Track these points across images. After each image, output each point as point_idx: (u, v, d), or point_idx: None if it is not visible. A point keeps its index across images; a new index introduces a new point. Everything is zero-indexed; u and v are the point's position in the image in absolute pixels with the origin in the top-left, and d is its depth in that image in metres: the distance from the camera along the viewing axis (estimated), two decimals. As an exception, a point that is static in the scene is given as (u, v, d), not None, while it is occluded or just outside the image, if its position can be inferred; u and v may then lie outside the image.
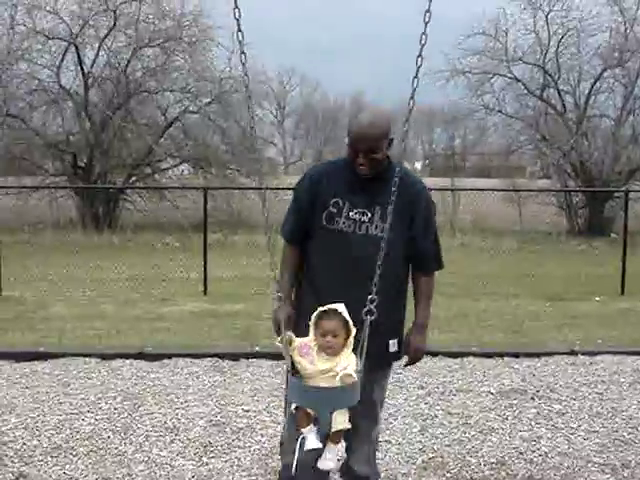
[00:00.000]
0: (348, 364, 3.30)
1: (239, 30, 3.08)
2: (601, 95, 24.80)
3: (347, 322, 3.36)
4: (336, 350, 3.34)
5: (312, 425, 3.30)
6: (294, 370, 3.37)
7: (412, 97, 3.17)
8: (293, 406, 3.39)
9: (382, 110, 3.60)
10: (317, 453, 3.32)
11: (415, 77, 3.12)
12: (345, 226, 3.51)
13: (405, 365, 3.77)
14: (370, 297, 3.28)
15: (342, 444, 3.38)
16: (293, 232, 3.69)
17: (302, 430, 3.33)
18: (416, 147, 69.66)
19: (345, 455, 3.65)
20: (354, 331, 3.37)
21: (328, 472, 3.65)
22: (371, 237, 3.49)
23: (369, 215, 3.50)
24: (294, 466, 3.45)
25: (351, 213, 3.51)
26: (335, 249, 3.53)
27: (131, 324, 8.77)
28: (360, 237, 3.50)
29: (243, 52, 3.14)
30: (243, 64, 3.18)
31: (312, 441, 3.28)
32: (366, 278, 3.39)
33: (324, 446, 3.31)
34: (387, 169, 3.53)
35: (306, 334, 3.46)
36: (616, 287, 11.43)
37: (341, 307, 3.40)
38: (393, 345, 3.64)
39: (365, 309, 3.30)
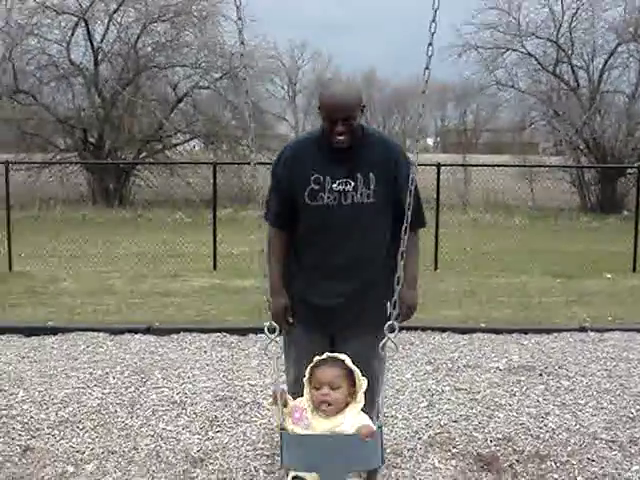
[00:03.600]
0: (360, 423, 2.75)
1: (239, 19, 3.00)
2: (615, 70, 24.61)
3: (352, 372, 2.88)
4: (335, 407, 2.79)
5: None
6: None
7: (427, 67, 3.08)
8: (289, 478, 2.78)
9: (352, 79, 3.61)
10: None
11: (429, 44, 3.04)
12: (330, 200, 3.46)
13: (399, 322, 3.72)
14: (389, 324, 3.01)
15: None
16: (279, 215, 3.60)
17: None
18: (428, 123, 69.25)
19: None
20: (364, 384, 2.88)
21: None
22: (358, 205, 3.47)
23: (352, 184, 3.47)
24: None
25: (334, 185, 3.46)
26: (323, 225, 3.49)
27: (140, 299, 8.79)
28: (347, 207, 3.47)
29: (242, 42, 3.05)
30: (241, 54, 3.07)
31: None
32: (359, 249, 3.40)
33: None
34: (362, 136, 3.53)
35: (301, 321, 3.34)
36: (627, 264, 11.35)
37: (343, 355, 2.96)
38: (388, 307, 3.63)
39: (386, 325, 3.01)
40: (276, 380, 2.94)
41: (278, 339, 3.03)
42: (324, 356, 2.94)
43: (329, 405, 2.76)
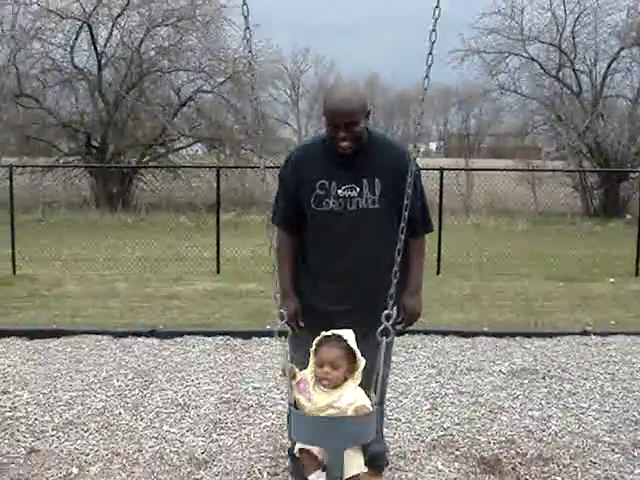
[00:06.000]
0: (355, 399, 2.96)
1: (244, 4, 2.99)
2: (618, 75, 24.60)
3: (353, 352, 3.05)
4: (334, 384, 3.00)
5: (319, 471, 2.95)
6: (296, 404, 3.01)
7: (427, 76, 3.08)
8: (297, 448, 3.05)
9: (356, 84, 3.62)
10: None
11: (429, 53, 3.03)
12: (335, 205, 3.48)
13: (401, 328, 3.75)
14: (386, 313, 3.05)
15: None
16: (287, 218, 3.62)
17: (308, 478, 2.99)
18: (430, 128, 69.18)
19: None
20: (362, 363, 3.05)
21: None
22: (363, 211, 3.48)
23: (358, 189, 3.48)
24: None
25: (339, 191, 3.48)
26: (328, 230, 3.50)
27: (144, 303, 8.81)
28: (352, 213, 3.48)
29: (248, 27, 3.00)
30: (248, 40, 2.99)
31: None
32: (364, 254, 3.41)
33: None
34: (368, 141, 3.53)
35: (306, 325, 3.42)
36: (630, 268, 11.36)
37: (348, 334, 3.10)
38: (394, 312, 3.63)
39: (379, 329, 3.02)
40: (283, 355, 3.06)
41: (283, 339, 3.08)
42: (330, 333, 3.07)
43: (329, 382, 2.97)
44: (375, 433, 2.94)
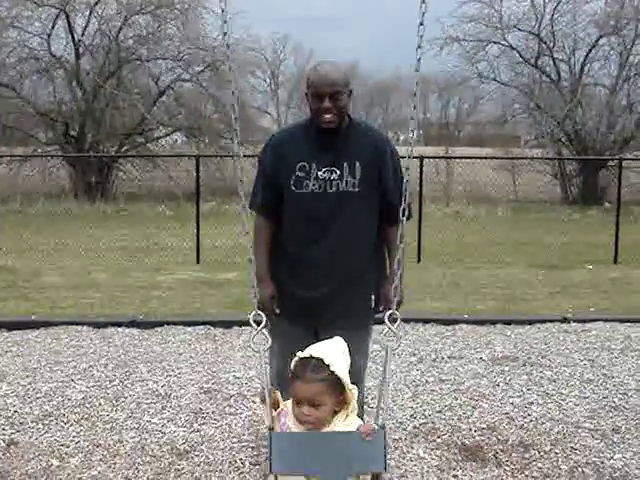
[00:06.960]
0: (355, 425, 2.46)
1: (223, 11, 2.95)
2: (596, 63, 24.69)
3: (339, 380, 2.44)
4: (318, 425, 2.44)
5: None
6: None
7: (417, 70, 3.04)
8: None
9: (340, 63, 3.63)
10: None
11: (418, 47, 3.01)
12: (315, 187, 3.46)
13: (382, 318, 3.72)
14: (390, 313, 2.83)
15: None
16: (265, 203, 3.60)
17: None
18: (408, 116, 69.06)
19: None
20: (355, 393, 2.51)
21: None
22: (343, 194, 3.46)
23: (338, 172, 3.46)
24: None
25: (320, 173, 3.46)
26: (307, 213, 3.48)
27: (124, 293, 8.76)
28: (332, 196, 3.46)
29: (225, 33, 3.00)
30: (227, 45, 3.01)
31: None
32: (343, 238, 3.40)
33: None
34: (349, 125, 3.53)
35: (285, 313, 3.30)
36: (609, 256, 11.43)
37: (332, 353, 2.50)
38: (372, 300, 3.61)
39: (387, 314, 2.82)
40: (260, 374, 2.64)
41: (264, 330, 2.89)
42: (307, 354, 2.51)
43: (312, 425, 2.43)
44: (384, 465, 2.41)
